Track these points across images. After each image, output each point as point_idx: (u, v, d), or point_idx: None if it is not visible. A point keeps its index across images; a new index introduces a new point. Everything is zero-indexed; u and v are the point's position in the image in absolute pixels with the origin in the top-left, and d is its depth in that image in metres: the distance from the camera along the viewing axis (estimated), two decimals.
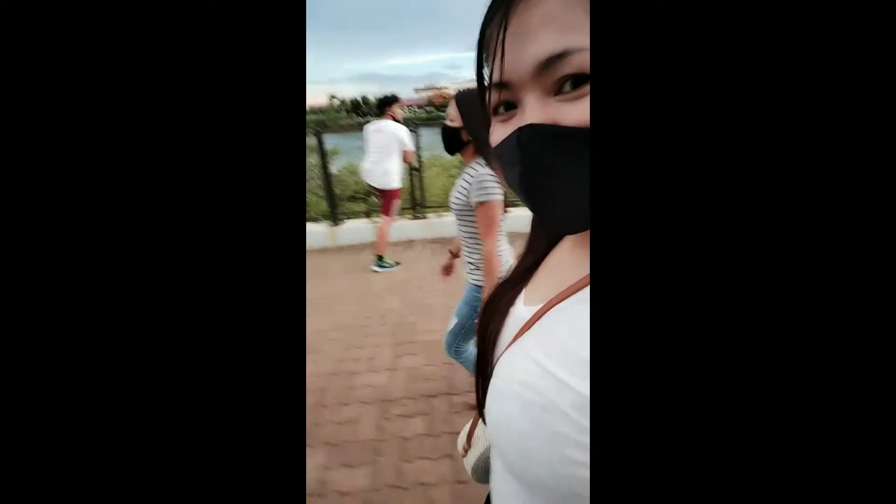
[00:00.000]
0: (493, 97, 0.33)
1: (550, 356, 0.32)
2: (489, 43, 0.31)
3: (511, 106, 0.32)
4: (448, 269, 1.83)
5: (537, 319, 0.37)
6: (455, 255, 1.77)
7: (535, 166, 0.31)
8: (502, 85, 0.31)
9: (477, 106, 1.12)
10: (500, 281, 0.48)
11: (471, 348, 1.69)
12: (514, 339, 0.38)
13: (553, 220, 0.34)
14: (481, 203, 1.38)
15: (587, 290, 0.34)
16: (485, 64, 0.33)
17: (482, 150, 1.40)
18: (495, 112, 0.33)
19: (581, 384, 0.29)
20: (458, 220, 1.51)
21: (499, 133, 0.33)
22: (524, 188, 0.33)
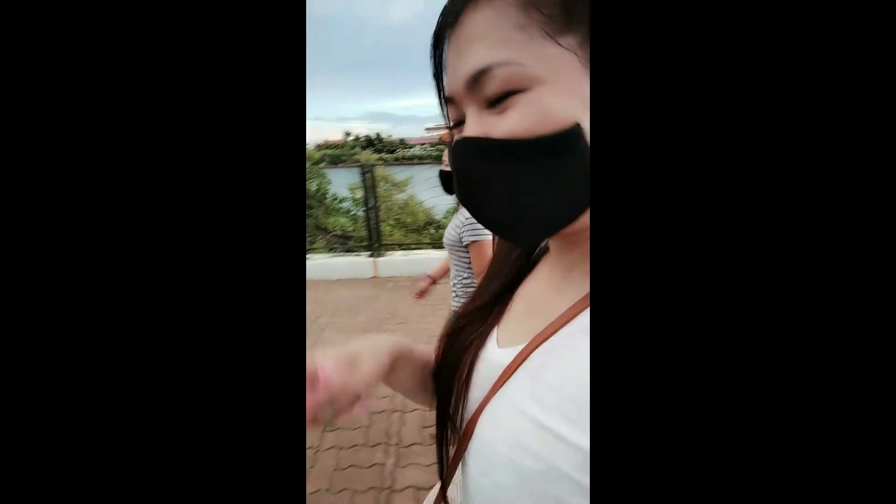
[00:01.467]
0: (447, 113, 0.33)
1: (546, 408, 0.28)
2: (438, 60, 0.32)
3: (461, 122, 0.32)
4: (422, 293, 1.88)
5: (520, 363, 0.32)
6: (434, 280, 1.84)
7: (469, 178, 0.31)
8: (448, 100, 0.32)
9: None
10: (457, 314, 0.42)
11: None
12: (493, 390, 0.33)
13: (499, 230, 0.34)
14: (472, 243, 1.49)
15: (580, 320, 0.30)
16: (438, 78, 0.33)
17: None
18: (456, 126, 0.33)
19: (584, 439, 0.26)
20: (451, 254, 1.63)
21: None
22: (463, 198, 0.33)
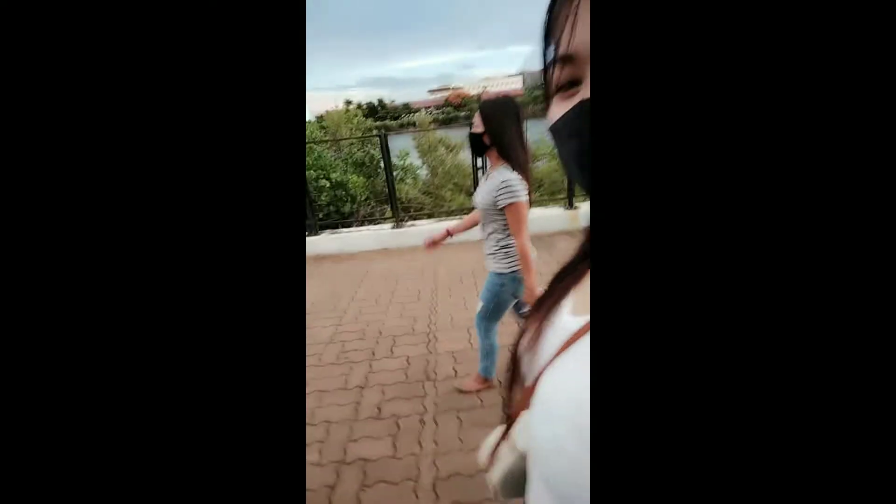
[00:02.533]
0: (557, 73, 0.32)
1: None
2: (558, 14, 0.31)
3: (574, 84, 0.32)
4: (434, 243, 1.87)
5: (585, 332, 0.35)
6: (450, 234, 1.86)
7: (584, 142, 0.31)
8: (567, 58, 0.31)
9: (498, 114, 1.46)
10: (549, 285, 0.47)
11: (496, 329, 1.89)
12: (560, 351, 0.36)
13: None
14: (511, 204, 1.52)
15: None
16: (551, 38, 0.33)
17: (505, 154, 1.54)
18: (558, 89, 0.33)
19: None
20: (483, 216, 1.66)
21: (558, 109, 0.33)
22: (579, 163, 0.32)
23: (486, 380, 1.98)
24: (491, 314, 1.81)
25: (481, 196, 1.62)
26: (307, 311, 2.77)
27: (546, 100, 0.35)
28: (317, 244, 4.37)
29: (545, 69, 0.34)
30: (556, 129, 0.33)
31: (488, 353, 1.90)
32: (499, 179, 1.53)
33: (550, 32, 0.33)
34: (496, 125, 1.53)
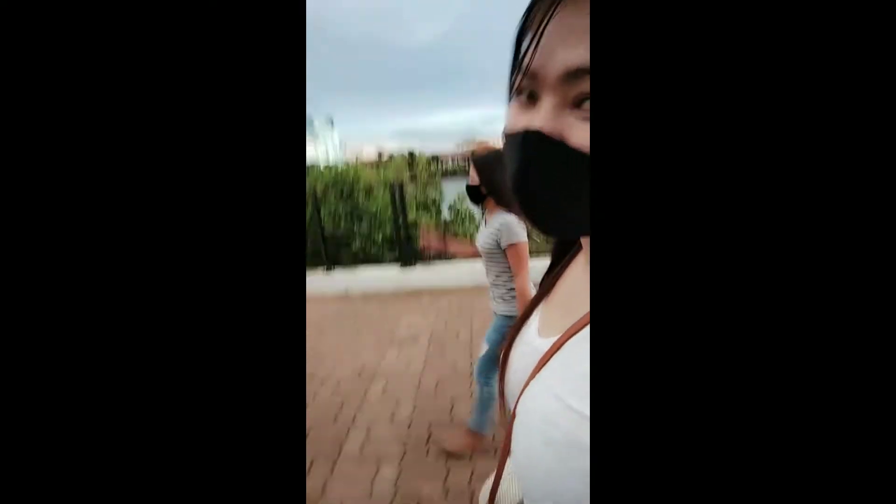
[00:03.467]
0: (518, 80, 0.32)
1: (571, 392, 0.32)
2: (530, 25, 0.30)
3: (531, 96, 0.31)
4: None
5: (555, 352, 0.36)
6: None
7: (530, 173, 0.31)
8: (526, 72, 0.30)
9: (491, 166, 1.64)
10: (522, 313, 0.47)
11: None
12: (534, 372, 0.38)
13: (539, 224, 0.35)
14: (512, 245, 1.57)
15: None
16: (523, 41, 0.31)
17: (500, 201, 1.61)
18: (518, 92, 0.32)
19: None
20: (487, 260, 1.70)
21: (513, 116, 0.33)
22: (515, 188, 0.33)
23: (478, 435, 1.85)
24: (496, 359, 1.80)
25: (482, 239, 1.67)
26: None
27: (508, 98, 0.34)
28: (410, 278, 4.31)
29: (511, 72, 0.33)
30: (506, 142, 0.34)
31: (486, 405, 1.81)
32: (498, 222, 1.59)
33: (520, 40, 0.32)
34: (489, 175, 1.59)
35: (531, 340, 0.42)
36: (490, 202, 1.64)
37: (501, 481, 0.47)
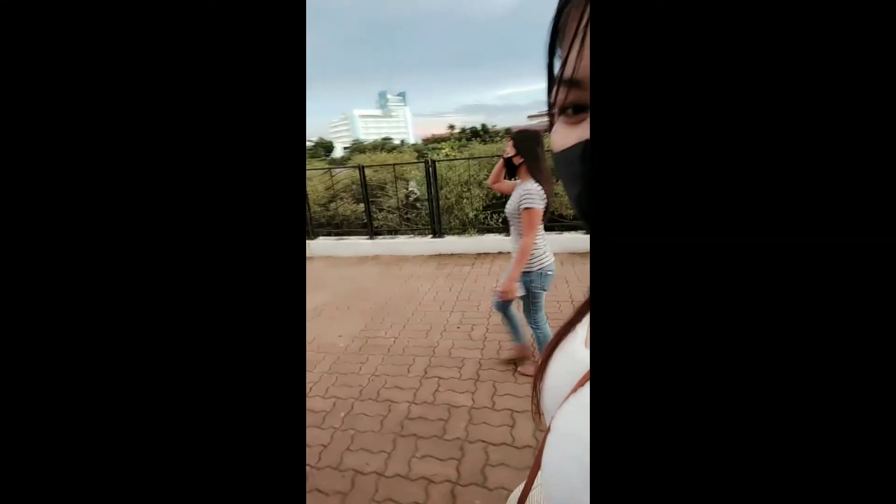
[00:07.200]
0: (561, 95, 0.29)
1: None
2: (566, 32, 0.28)
3: (580, 109, 0.29)
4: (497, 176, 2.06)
5: None
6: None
7: (585, 176, 0.28)
8: (573, 82, 0.28)
9: (527, 142, 1.98)
10: (569, 319, 0.45)
11: (545, 318, 2.05)
12: (577, 386, 0.35)
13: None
14: (527, 209, 1.73)
15: None
16: (558, 53, 0.29)
17: (531, 171, 1.78)
18: (562, 111, 0.30)
19: None
20: (512, 222, 1.89)
21: (562, 135, 0.30)
22: (577, 201, 0.30)
23: (523, 347, 2.23)
24: (532, 308, 2.02)
25: (509, 205, 1.88)
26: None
27: (549, 119, 0.33)
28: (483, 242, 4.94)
29: (549, 86, 0.31)
30: (558, 159, 0.31)
31: (542, 343, 2.11)
32: (523, 188, 1.79)
33: (557, 45, 0.30)
34: (524, 149, 1.81)
35: (574, 352, 0.40)
36: (522, 171, 1.84)
37: (531, 492, 0.46)
